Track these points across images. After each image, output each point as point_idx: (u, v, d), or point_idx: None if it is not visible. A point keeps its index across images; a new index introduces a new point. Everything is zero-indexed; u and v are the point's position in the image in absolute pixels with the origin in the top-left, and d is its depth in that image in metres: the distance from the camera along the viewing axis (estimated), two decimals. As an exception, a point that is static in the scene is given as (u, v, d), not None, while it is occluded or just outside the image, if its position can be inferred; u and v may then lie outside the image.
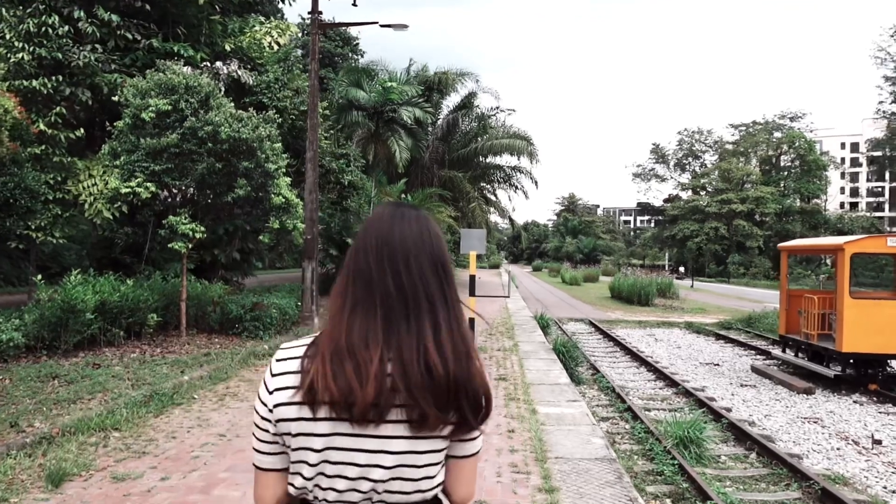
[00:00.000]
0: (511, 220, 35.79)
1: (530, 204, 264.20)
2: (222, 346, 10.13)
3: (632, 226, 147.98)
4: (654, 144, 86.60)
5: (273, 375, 1.16)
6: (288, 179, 10.94)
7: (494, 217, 38.40)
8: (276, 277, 26.09)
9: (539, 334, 13.92)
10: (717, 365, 13.52)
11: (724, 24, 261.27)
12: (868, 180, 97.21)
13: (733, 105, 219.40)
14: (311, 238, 13.03)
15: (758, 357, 14.52)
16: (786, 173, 76.83)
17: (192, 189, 9.56)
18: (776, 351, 13.38)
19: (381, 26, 12.94)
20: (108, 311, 9.01)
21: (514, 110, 35.26)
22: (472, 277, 11.25)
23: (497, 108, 30.91)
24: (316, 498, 1.15)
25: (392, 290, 1.12)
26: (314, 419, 1.10)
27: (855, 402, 10.19)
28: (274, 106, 13.27)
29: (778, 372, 11.98)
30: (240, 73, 13.00)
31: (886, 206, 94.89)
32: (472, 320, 11.60)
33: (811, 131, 76.86)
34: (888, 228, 78.96)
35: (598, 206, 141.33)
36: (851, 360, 10.52)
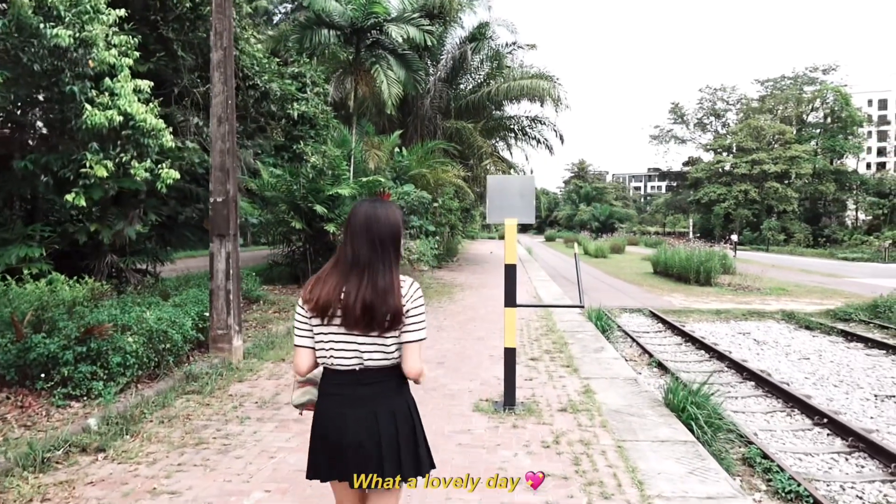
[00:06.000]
0: (529, 182, 29.99)
1: (538, 170, 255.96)
2: (-15, 430, 4.73)
3: (642, 192, 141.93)
4: (672, 104, 79.58)
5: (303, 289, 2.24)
6: (142, 83, 5.42)
7: (508, 181, 32.75)
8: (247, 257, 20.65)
9: (611, 353, 8.47)
10: (913, 401, 8.14)
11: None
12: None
13: (757, 60, 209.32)
14: (224, 201, 7.52)
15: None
16: (819, 131, 70.10)
17: None
18: None
19: None
20: None
21: (534, 45, 27.87)
22: (510, 270, 5.75)
23: (514, 43, 24.89)
24: (333, 363, 2.19)
25: (349, 256, 2.16)
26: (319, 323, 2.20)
27: None
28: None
29: None
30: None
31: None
32: (510, 350, 6.15)
33: (845, 85, 69.67)
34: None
35: (607, 173, 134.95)
36: None
